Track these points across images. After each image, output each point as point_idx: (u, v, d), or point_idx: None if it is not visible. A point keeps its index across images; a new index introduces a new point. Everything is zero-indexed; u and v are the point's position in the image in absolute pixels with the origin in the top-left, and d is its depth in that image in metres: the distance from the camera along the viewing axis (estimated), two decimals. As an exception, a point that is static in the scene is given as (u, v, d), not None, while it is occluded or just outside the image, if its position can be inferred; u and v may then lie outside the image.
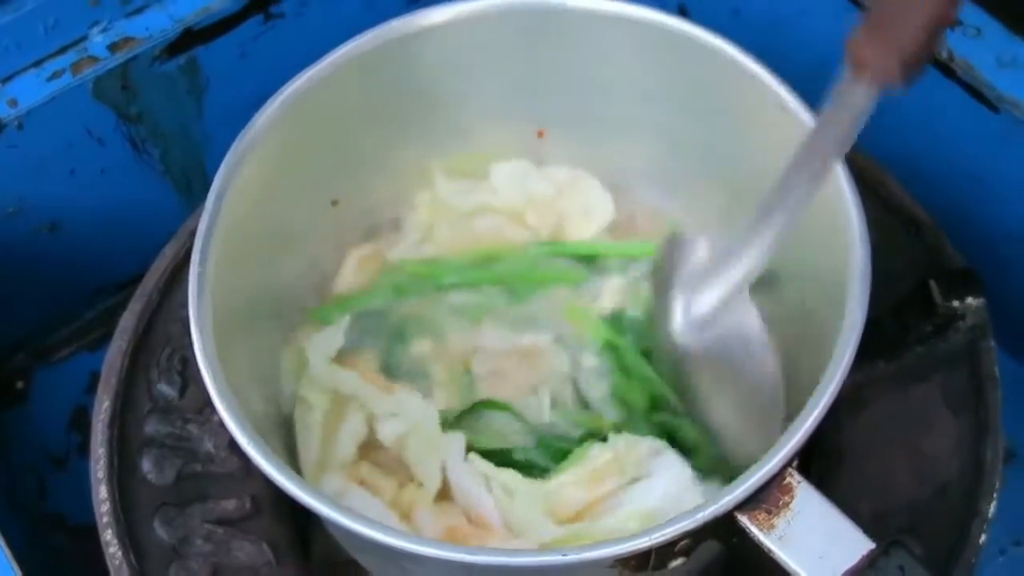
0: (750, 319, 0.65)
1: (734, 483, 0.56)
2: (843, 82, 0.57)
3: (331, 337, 0.73)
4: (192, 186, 1.01)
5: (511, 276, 0.78)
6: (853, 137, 0.58)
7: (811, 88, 0.68)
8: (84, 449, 0.75)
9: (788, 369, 0.72)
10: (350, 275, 0.79)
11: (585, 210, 0.80)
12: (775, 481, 0.57)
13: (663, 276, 0.70)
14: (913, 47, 0.53)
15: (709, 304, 0.66)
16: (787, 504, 0.58)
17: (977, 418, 0.71)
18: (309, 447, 0.70)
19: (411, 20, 0.72)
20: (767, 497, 0.57)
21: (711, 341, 0.67)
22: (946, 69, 0.83)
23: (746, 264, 0.63)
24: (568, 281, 0.78)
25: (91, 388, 0.95)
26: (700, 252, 0.68)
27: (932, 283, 0.71)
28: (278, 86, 0.70)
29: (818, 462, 0.72)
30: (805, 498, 0.58)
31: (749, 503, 0.57)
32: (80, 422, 0.98)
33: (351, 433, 0.71)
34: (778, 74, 0.69)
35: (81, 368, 1.02)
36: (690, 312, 0.67)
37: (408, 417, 0.70)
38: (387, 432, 0.70)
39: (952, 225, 0.79)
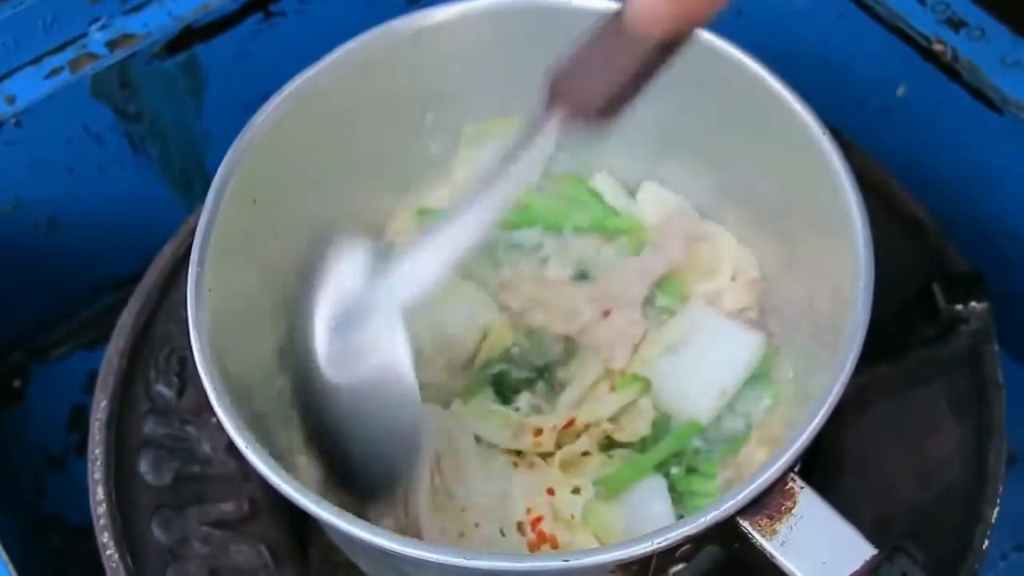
0: (399, 355, 0.60)
1: (737, 487, 0.56)
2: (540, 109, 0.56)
3: None
4: (191, 184, 1.01)
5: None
6: (534, 169, 0.58)
7: (814, 87, 0.68)
8: (82, 449, 0.74)
9: (795, 370, 0.72)
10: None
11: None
12: (777, 486, 0.57)
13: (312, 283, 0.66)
14: (618, 94, 0.53)
15: (362, 328, 0.62)
16: (789, 509, 0.57)
17: (980, 423, 0.71)
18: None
19: (412, 20, 0.72)
20: (769, 502, 0.57)
21: (357, 373, 0.62)
22: (950, 70, 0.83)
23: (411, 282, 0.60)
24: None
25: (89, 387, 0.94)
26: (354, 260, 0.64)
27: (935, 287, 0.70)
28: (278, 84, 0.70)
29: (820, 466, 0.71)
30: (807, 504, 0.57)
31: (751, 508, 0.56)
32: (78, 421, 0.97)
33: None
34: (780, 74, 0.68)
35: (79, 367, 1.01)
36: (339, 337, 0.63)
37: None
38: None
39: (956, 226, 0.79)
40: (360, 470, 0.65)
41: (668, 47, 0.53)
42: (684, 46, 0.54)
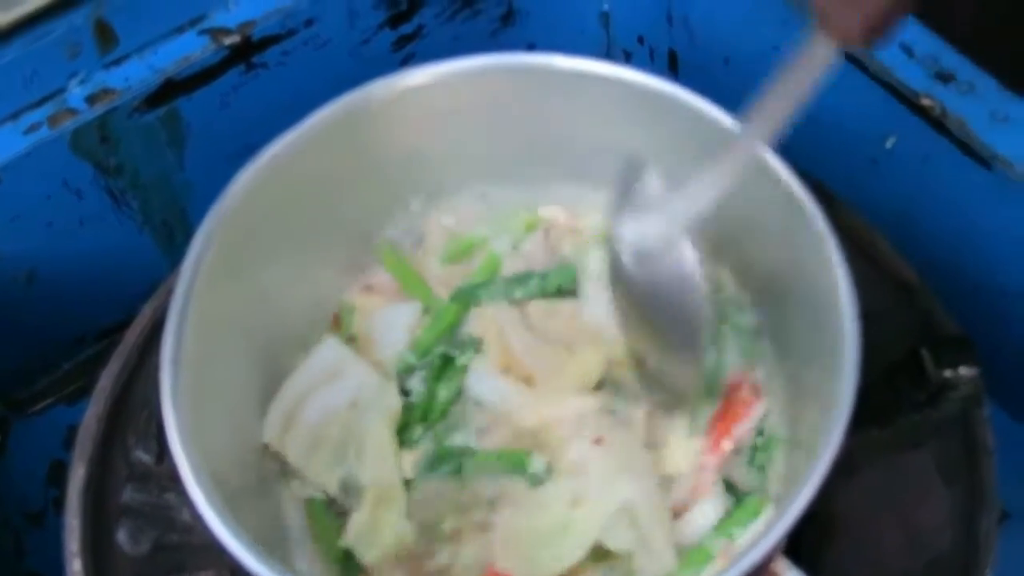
0: (689, 260, 0.64)
1: (722, 573, 0.55)
2: (807, 38, 0.57)
3: None
4: (174, 236, 1.00)
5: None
6: (809, 92, 0.58)
7: (802, 138, 0.67)
8: (61, 505, 0.73)
9: (787, 432, 0.71)
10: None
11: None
12: (763, 569, 0.56)
13: (619, 201, 0.69)
14: (876, 10, 0.53)
15: (654, 237, 0.66)
16: (776, 592, 0.56)
17: (971, 489, 0.70)
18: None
19: (393, 82, 0.71)
20: (756, 586, 0.56)
21: (651, 273, 0.66)
22: (938, 125, 0.82)
23: (696, 203, 0.63)
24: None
25: (69, 442, 0.93)
26: (653, 183, 0.67)
27: (924, 352, 0.69)
28: (260, 136, 0.69)
29: (810, 532, 0.70)
30: (795, 586, 0.57)
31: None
32: (58, 476, 0.96)
33: None
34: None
35: (59, 420, 1.00)
36: (636, 241, 0.67)
37: None
38: None
39: (945, 282, 0.78)
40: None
41: None
42: None
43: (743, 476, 0.72)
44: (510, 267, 0.79)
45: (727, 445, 0.72)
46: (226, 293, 0.67)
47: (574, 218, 0.81)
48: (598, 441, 0.70)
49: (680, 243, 0.64)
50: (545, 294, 0.78)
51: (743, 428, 0.72)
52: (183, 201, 0.98)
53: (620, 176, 0.69)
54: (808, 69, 0.57)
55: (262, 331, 0.71)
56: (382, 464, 0.71)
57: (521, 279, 0.78)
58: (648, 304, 0.68)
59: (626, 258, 0.68)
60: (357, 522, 0.69)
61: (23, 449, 1.00)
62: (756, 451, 0.72)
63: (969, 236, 0.86)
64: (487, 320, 0.76)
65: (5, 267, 0.92)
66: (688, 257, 0.64)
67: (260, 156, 0.68)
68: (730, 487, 0.71)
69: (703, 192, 0.62)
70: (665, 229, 0.64)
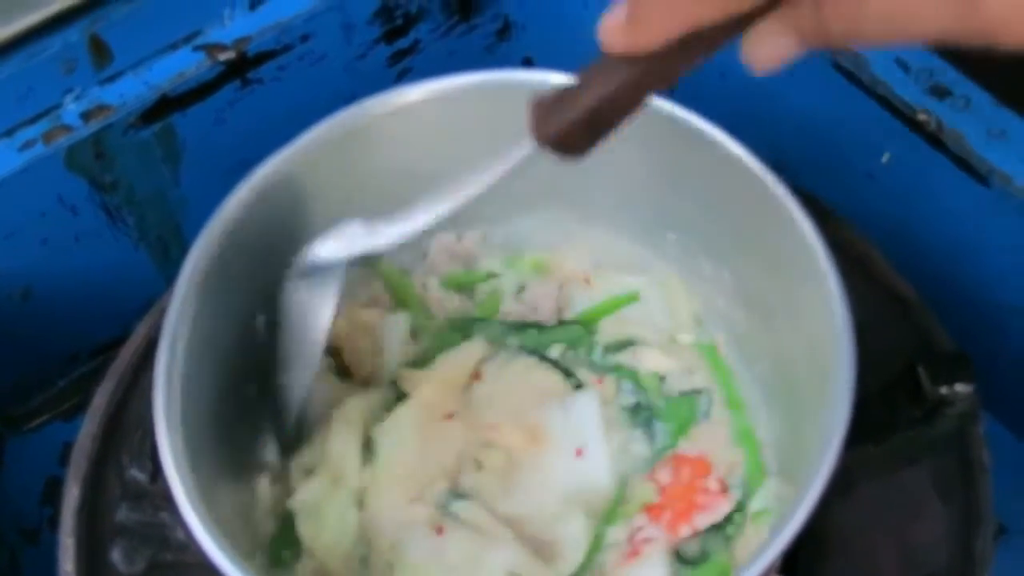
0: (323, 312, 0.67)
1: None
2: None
3: None
4: (169, 251, 0.99)
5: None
6: (498, 175, 0.59)
7: (798, 153, 0.67)
8: (56, 523, 0.73)
9: (780, 450, 0.71)
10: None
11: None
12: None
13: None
14: (566, 129, 0.53)
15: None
16: (771, 613, 0.56)
17: (967, 507, 0.70)
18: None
19: (388, 99, 0.71)
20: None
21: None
22: (935, 140, 0.82)
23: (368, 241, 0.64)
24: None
25: (64, 458, 0.92)
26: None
27: (920, 368, 0.69)
28: (255, 151, 0.69)
29: (806, 549, 0.70)
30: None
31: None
32: (53, 494, 0.95)
33: None
34: (763, 139, 0.67)
35: (55, 437, 1.00)
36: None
37: None
38: None
39: (942, 296, 0.78)
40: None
41: (636, 73, 0.51)
42: (665, 74, 0.52)
43: (697, 546, 0.72)
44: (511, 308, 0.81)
45: (684, 531, 0.72)
46: (220, 311, 0.66)
47: (586, 269, 0.81)
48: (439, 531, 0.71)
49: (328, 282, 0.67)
50: (538, 350, 0.79)
51: (705, 521, 0.72)
52: (178, 217, 0.98)
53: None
54: (508, 158, 0.58)
55: (257, 350, 0.71)
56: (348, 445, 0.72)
57: (519, 328, 0.79)
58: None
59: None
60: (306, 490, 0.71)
61: (19, 466, 1.00)
62: (726, 525, 0.72)
63: (966, 251, 0.86)
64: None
65: (1, 285, 0.92)
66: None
67: (255, 172, 0.68)
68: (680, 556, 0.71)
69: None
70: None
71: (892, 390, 0.71)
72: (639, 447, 0.75)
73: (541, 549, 0.70)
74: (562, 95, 0.53)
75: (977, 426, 0.71)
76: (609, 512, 0.72)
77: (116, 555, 0.71)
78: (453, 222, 0.77)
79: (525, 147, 0.55)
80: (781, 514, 0.59)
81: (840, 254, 0.63)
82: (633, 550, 0.70)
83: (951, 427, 0.71)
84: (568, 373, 0.77)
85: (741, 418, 0.74)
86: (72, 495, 0.72)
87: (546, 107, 0.54)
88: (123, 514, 0.72)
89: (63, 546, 0.71)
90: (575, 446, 0.73)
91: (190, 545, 0.70)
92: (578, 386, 0.77)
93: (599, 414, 0.74)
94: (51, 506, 0.95)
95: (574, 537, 0.70)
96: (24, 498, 0.97)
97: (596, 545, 0.70)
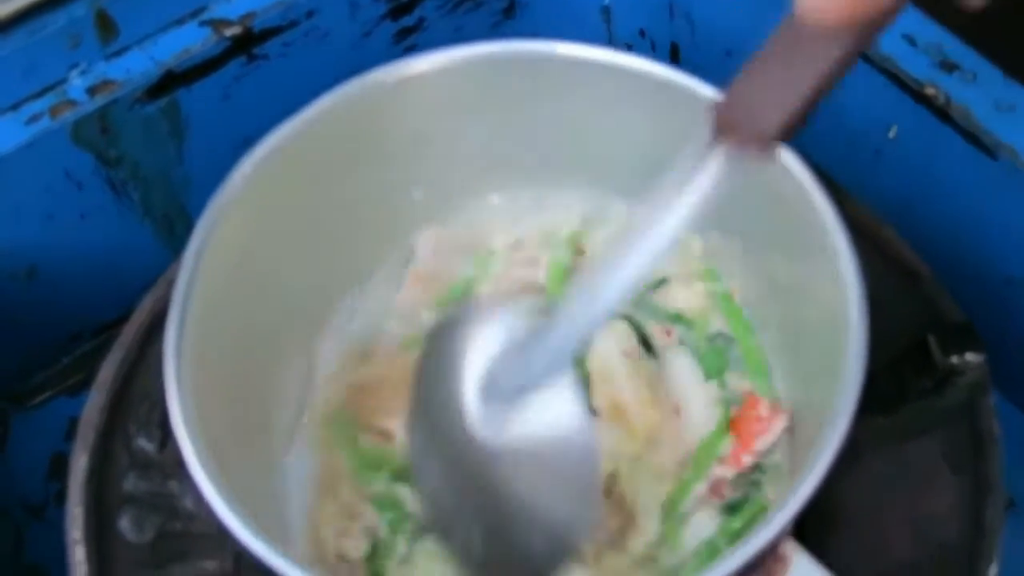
0: (574, 407, 0.56)
1: (728, 555, 0.54)
2: (701, 149, 0.50)
3: None
4: (174, 228, 0.99)
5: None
6: (702, 213, 0.51)
7: (803, 131, 0.67)
8: (63, 498, 0.72)
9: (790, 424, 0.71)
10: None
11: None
12: (770, 551, 0.56)
13: (451, 351, 0.61)
14: (789, 119, 0.47)
15: (524, 382, 0.57)
16: (782, 573, 0.56)
17: (977, 477, 0.70)
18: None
19: (395, 69, 0.71)
20: (762, 568, 0.56)
21: (519, 430, 0.58)
22: (943, 114, 0.82)
23: (572, 334, 0.55)
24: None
25: (70, 434, 0.93)
26: (506, 321, 0.60)
27: (931, 339, 0.69)
28: (261, 128, 0.69)
29: (813, 521, 0.70)
30: (801, 568, 0.57)
31: (744, 574, 0.55)
32: (59, 470, 0.96)
33: None
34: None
35: (60, 413, 1.00)
36: (496, 395, 0.59)
37: None
38: None
39: (950, 271, 0.78)
40: (520, 546, 0.59)
41: (847, 45, 0.47)
42: (866, 43, 0.48)
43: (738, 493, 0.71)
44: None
45: (747, 459, 0.71)
46: (228, 281, 0.66)
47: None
48: None
49: (559, 385, 0.56)
50: None
51: (765, 442, 0.71)
52: (183, 194, 0.98)
53: (442, 325, 0.64)
54: (703, 185, 0.50)
55: (265, 319, 0.71)
56: None
57: None
58: (518, 468, 0.58)
59: (482, 422, 0.59)
60: None
61: (24, 443, 0.99)
62: (755, 473, 0.72)
63: (974, 226, 0.86)
64: None
65: (6, 261, 0.92)
66: (569, 401, 0.56)
67: (263, 143, 0.68)
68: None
69: (583, 319, 0.54)
70: (543, 369, 0.56)
71: (902, 362, 0.71)
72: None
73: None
74: (758, 86, 0.48)
75: (987, 396, 0.71)
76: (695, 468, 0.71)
77: (124, 524, 0.71)
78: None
79: (716, 159, 0.50)
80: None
81: (849, 229, 0.63)
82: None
83: (961, 398, 0.70)
84: (637, 327, 0.76)
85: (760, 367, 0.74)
86: (80, 465, 0.72)
87: (745, 105, 0.48)
88: (131, 483, 0.72)
89: (71, 515, 0.70)
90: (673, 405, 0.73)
91: (199, 514, 0.71)
92: (645, 340, 0.76)
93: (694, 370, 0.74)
94: (57, 482, 0.95)
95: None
96: (29, 474, 0.97)
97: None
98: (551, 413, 0.56)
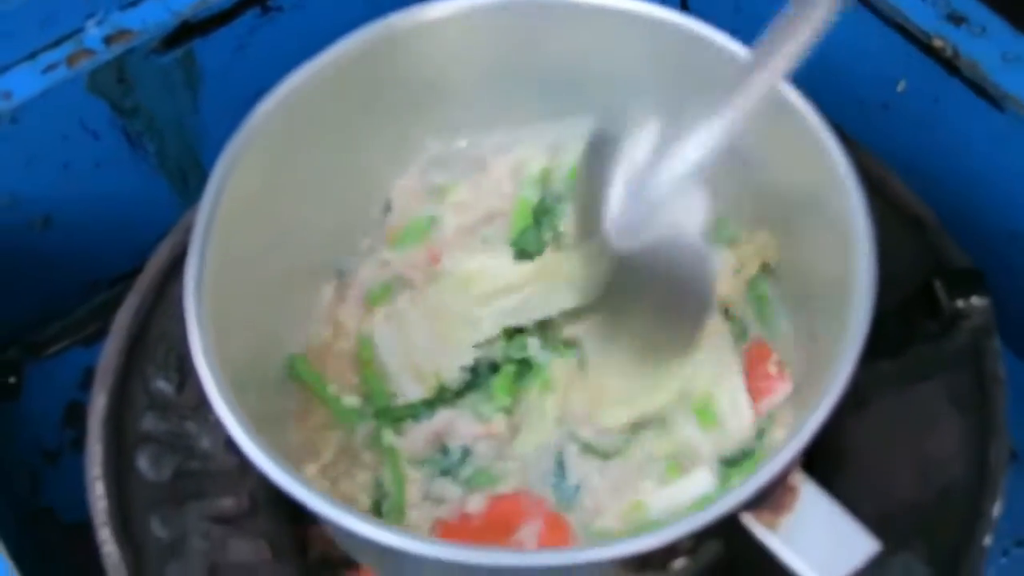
0: (690, 216, 0.63)
1: (739, 484, 0.55)
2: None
3: None
4: (188, 180, 1.00)
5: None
6: (815, 35, 0.58)
7: (813, 82, 0.67)
8: (78, 444, 0.74)
9: (797, 367, 0.72)
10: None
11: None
12: (780, 481, 0.57)
13: (593, 175, 0.68)
14: None
15: (653, 198, 0.63)
16: (792, 504, 0.57)
17: (981, 419, 0.71)
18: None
19: (410, 15, 0.71)
20: (772, 497, 0.57)
21: (646, 241, 0.64)
22: (950, 66, 0.82)
23: (696, 152, 0.61)
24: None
25: (85, 383, 0.94)
26: (641, 145, 0.65)
27: (937, 282, 0.70)
28: (275, 80, 0.69)
29: (821, 463, 0.71)
30: (810, 498, 0.57)
31: (754, 503, 0.56)
32: (74, 417, 0.97)
33: None
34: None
35: (75, 363, 1.01)
36: (628, 210, 0.65)
37: None
38: None
39: (957, 224, 0.79)
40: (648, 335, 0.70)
41: None
42: None
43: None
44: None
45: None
46: (245, 222, 0.67)
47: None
48: None
49: (684, 199, 0.62)
50: None
51: (770, 404, 0.72)
52: (197, 145, 0.98)
53: (586, 153, 0.69)
54: (812, 14, 0.58)
55: (284, 261, 0.71)
56: None
57: None
58: (643, 275, 0.66)
59: (616, 233, 0.66)
60: None
61: (39, 391, 1.01)
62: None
63: (981, 178, 0.87)
64: None
65: (22, 210, 0.93)
66: (694, 216, 0.62)
67: (280, 87, 0.68)
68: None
69: (714, 136, 0.60)
70: (673, 179, 0.62)
71: (908, 306, 0.72)
72: None
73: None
74: None
75: (992, 340, 0.72)
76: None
77: (143, 462, 0.72)
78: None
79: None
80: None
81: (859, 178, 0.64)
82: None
83: (966, 341, 0.71)
84: None
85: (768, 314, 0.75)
86: (99, 404, 0.73)
87: None
88: (149, 423, 0.73)
89: (91, 452, 0.71)
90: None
91: (216, 454, 0.72)
92: None
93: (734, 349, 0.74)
94: (72, 429, 0.97)
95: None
96: (45, 421, 0.98)
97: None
98: (676, 224, 0.63)
